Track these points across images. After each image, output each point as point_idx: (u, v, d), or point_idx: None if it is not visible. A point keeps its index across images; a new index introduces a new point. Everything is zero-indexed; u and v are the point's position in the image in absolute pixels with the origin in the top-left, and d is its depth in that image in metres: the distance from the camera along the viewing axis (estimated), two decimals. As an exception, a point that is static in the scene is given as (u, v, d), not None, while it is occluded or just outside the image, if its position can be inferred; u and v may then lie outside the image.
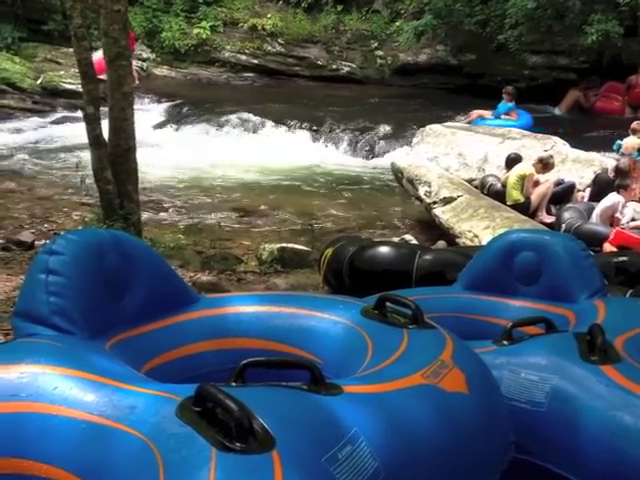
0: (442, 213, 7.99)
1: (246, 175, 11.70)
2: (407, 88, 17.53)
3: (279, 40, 19.23)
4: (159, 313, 2.39)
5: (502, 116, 13.11)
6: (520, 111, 13.51)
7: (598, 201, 7.97)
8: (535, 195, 8.55)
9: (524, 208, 8.31)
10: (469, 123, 12.78)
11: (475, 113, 13.33)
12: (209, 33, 19.14)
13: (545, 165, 8.72)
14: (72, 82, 15.53)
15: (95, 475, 1.60)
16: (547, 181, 8.62)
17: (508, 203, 8.36)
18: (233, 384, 1.77)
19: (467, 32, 15.84)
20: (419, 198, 8.71)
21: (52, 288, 2.09)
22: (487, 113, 13.34)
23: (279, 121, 14.53)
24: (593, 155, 9.74)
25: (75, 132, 12.48)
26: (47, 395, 1.72)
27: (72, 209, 8.92)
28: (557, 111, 15.23)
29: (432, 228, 8.32)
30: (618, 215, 7.53)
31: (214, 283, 5.72)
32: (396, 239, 7.29)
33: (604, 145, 11.06)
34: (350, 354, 2.24)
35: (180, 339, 2.39)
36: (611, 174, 8.48)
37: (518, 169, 8.66)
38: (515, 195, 8.56)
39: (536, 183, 8.60)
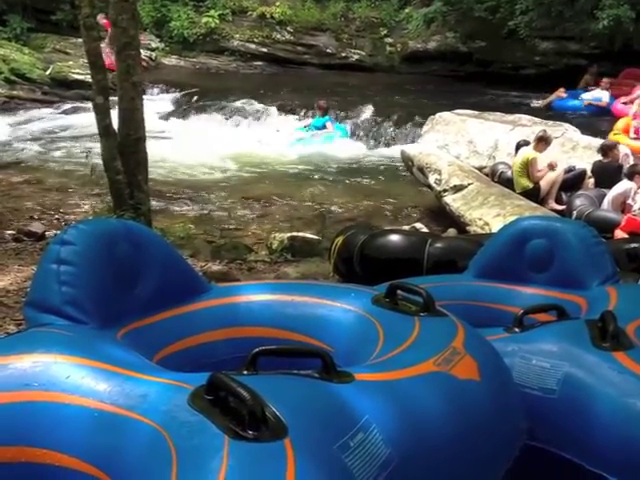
0: (452, 201, 7.97)
1: (255, 164, 11.70)
2: (417, 76, 17.47)
3: (288, 28, 19.19)
4: (170, 302, 2.39)
5: (322, 132, 12.92)
6: (338, 125, 13.37)
7: (602, 188, 7.96)
8: (545, 182, 8.51)
9: (534, 194, 8.28)
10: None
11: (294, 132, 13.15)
12: (218, 22, 19.12)
13: (546, 141, 8.69)
14: (81, 72, 15.55)
15: (108, 463, 1.61)
16: (557, 169, 8.58)
17: (517, 191, 8.33)
18: (245, 372, 1.77)
19: (477, 19, 15.77)
20: (429, 186, 8.69)
21: (64, 278, 2.10)
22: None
23: (288, 110, 14.51)
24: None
25: (84, 122, 12.53)
26: (60, 384, 1.72)
27: (82, 199, 8.94)
28: (535, 103, 15.01)
29: (442, 216, 8.30)
30: (630, 202, 7.50)
31: (225, 272, 5.73)
32: (406, 227, 7.26)
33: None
34: (361, 342, 2.24)
35: (191, 328, 2.40)
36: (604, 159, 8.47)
37: (520, 156, 8.64)
38: (523, 182, 8.53)
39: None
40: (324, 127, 13.05)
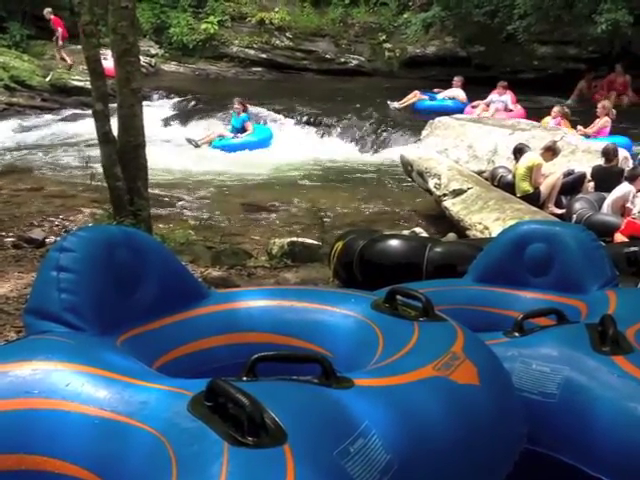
0: (452, 205, 7.97)
1: (255, 170, 11.71)
2: (416, 80, 17.49)
3: (287, 34, 19.23)
4: (170, 309, 2.39)
5: (241, 135, 12.92)
6: (257, 125, 13.46)
7: (602, 191, 7.96)
8: (544, 186, 8.52)
9: (534, 198, 8.28)
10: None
11: (214, 135, 13.18)
12: (217, 28, 19.17)
13: (554, 151, 8.71)
14: (81, 79, 15.58)
15: (108, 470, 1.61)
16: (556, 172, 8.58)
17: (518, 195, 8.33)
18: (244, 379, 1.77)
19: (475, 23, 15.79)
20: (429, 191, 8.69)
21: (63, 285, 2.10)
22: (227, 133, 13.19)
23: (287, 115, 14.56)
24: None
25: (84, 129, 12.56)
26: (60, 392, 1.73)
27: (82, 206, 8.94)
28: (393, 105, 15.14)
29: (442, 220, 8.30)
30: (629, 205, 7.49)
31: (224, 278, 5.73)
32: (406, 232, 7.26)
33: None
34: (361, 347, 2.24)
35: (191, 334, 2.40)
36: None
37: (526, 160, 8.64)
38: (524, 186, 8.53)
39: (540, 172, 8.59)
40: (243, 127, 12.99)
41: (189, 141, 12.86)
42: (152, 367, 2.08)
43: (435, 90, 15.27)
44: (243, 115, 13.04)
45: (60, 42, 16.84)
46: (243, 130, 12.96)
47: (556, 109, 11.52)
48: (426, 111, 14.21)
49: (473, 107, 14.02)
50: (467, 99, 14.53)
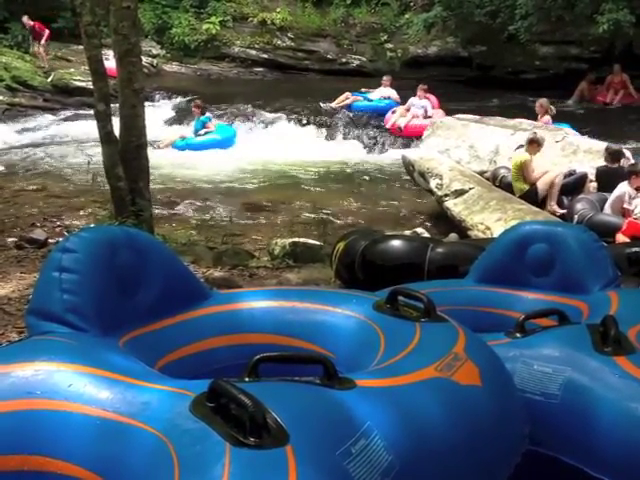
0: (454, 206, 7.97)
1: (257, 170, 11.71)
2: (417, 81, 17.47)
3: (289, 34, 19.24)
4: (172, 309, 2.39)
5: (202, 132, 12.88)
6: (220, 124, 13.45)
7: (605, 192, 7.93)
8: (542, 182, 8.48)
9: (531, 196, 8.26)
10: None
11: (175, 136, 13.16)
12: (218, 28, 19.18)
13: (538, 142, 8.67)
14: (82, 79, 15.60)
15: (110, 471, 1.61)
16: (554, 170, 8.55)
17: (516, 195, 8.32)
18: (246, 379, 1.77)
19: (477, 23, 15.79)
20: (430, 191, 8.69)
21: (65, 286, 2.10)
22: (188, 133, 13.15)
23: (289, 116, 14.55)
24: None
25: (86, 129, 12.57)
26: (62, 392, 1.73)
27: (84, 206, 8.95)
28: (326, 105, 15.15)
29: (444, 221, 8.30)
30: (626, 206, 7.45)
31: (226, 279, 5.72)
32: (408, 232, 7.26)
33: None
34: (363, 348, 2.24)
35: (193, 335, 2.40)
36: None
37: (513, 161, 8.64)
38: (519, 185, 8.53)
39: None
40: (204, 128, 12.99)
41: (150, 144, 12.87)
42: (154, 368, 2.08)
43: (363, 90, 15.24)
44: (203, 117, 13.12)
45: (43, 41, 16.87)
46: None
47: (540, 102, 11.47)
48: (363, 112, 14.41)
49: (393, 112, 13.78)
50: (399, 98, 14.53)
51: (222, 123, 13.60)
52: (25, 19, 16.92)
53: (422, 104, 13.59)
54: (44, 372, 1.78)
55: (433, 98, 13.88)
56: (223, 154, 12.50)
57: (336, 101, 14.83)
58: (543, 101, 11.39)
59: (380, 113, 14.21)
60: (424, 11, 17.00)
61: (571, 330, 2.49)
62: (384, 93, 14.86)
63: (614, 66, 15.12)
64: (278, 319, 2.47)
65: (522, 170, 8.52)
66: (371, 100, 14.80)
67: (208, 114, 13.32)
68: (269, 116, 14.53)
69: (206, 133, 12.87)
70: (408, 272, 4.44)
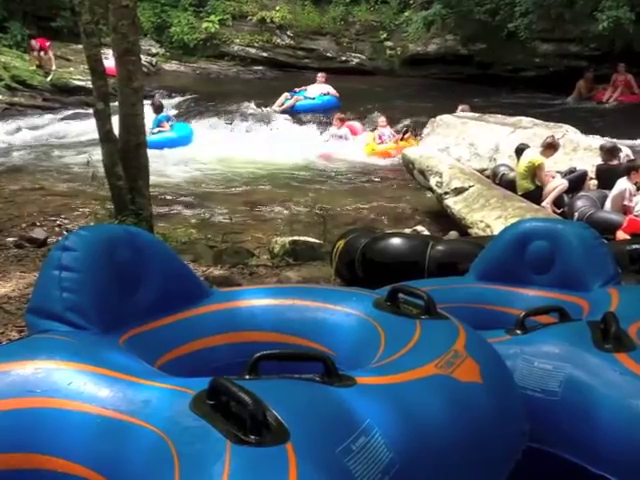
0: (454, 203, 7.97)
1: (256, 168, 11.72)
2: (417, 78, 17.50)
3: (288, 32, 19.23)
4: (172, 308, 2.39)
5: (155, 130, 12.75)
6: (178, 123, 13.50)
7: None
8: (548, 187, 8.50)
9: (535, 196, 8.27)
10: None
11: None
12: (218, 27, 19.17)
13: (554, 147, 8.69)
14: (82, 78, 15.59)
15: (111, 469, 1.61)
16: (564, 182, 8.54)
17: (519, 193, 8.32)
18: (247, 377, 1.77)
19: (477, 21, 15.78)
20: (430, 189, 8.70)
21: (65, 284, 2.10)
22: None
23: (289, 113, 14.55)
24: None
25: (86, 128, 12.57)
26: (62, 390, 1.73)
27: (84, 205, 8.96)
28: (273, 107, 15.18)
29: (444, 219, 8.30)
30: (626, 202, 7.44)
31: (226, 277, 5.73)
32: (408, 230, 7.26)
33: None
34: (363, 346, 2.24)
35: (193, 333, 2.40)
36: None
37: (526, 159, 8.62)
38: (525, 184, 8.52)
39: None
40: (159, 127, 12.99)
41: None
42: (154, 366, 2.08)
43: (297, 89, 15.26)
44: (160, 116, 13.13)
45: (51, 54, 16.80)
46: None
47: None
48: (308, 110, 14.54)
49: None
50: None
51: (181, 122, 13.68)
52: (33, 43, 16.78)
53: (340, 133, 13.36)
54: (44, 370, 1.78)
55: (353, 127, 13.58)
56: (224, 152, 12.49)
57: (277, 103, 14.87)
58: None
59: (324, 110, 14.47)
60: (423, 9, 16.97)
61: (571, 327, 2.49)
62: (322, 89, 14.99)
63: (618, 65, 15.08)
64: (278, 317, 2.47)
65: (534, 171, 8.51)
66: (313, 98, 14.90)
67: (165, 113, 13.38)
68: (268, 114, 14.53)
69: (159, 132, 12.82)
70: (408, 270, 4.44)
